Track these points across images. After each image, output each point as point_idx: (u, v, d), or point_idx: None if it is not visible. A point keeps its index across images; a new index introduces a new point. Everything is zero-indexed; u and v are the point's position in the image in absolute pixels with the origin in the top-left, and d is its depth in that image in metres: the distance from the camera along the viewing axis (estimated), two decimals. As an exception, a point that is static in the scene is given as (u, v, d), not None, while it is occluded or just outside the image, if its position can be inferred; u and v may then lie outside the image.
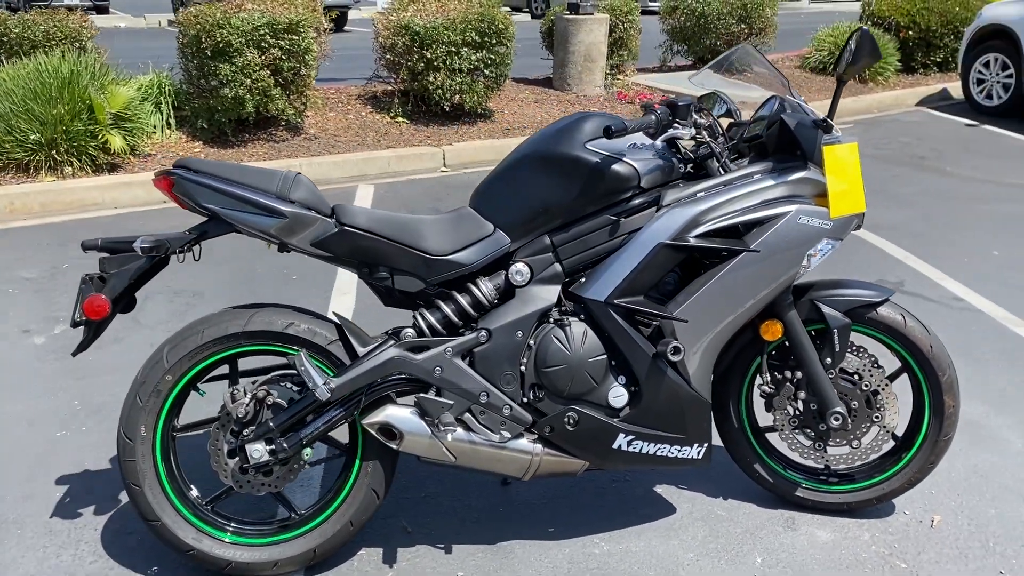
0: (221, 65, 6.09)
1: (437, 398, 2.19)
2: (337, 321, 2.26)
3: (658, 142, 2.26)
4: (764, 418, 2.57)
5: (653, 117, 2.22)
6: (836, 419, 2.38)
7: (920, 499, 2.61)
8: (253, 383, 2.22)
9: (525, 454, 2.25)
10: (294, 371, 2.23)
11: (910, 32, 10.16)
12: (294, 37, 6.29)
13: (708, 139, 2.28)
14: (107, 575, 2.29)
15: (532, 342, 2.24)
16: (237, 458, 2.21)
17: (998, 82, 8.69)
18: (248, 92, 6.19)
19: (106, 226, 5.19)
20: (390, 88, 7.61)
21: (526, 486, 2.69)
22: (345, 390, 2.14)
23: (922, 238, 5.00)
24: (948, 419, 2.41)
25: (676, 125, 2.25)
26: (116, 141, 5.79)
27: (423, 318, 2.24)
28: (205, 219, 2.22)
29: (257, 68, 6.16)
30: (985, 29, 8.81)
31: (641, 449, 2.28)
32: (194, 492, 2.28)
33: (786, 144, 2.29)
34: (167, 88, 6.54)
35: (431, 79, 6.99)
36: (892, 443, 2.51)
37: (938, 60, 10.32)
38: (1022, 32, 8.30)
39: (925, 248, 4.81)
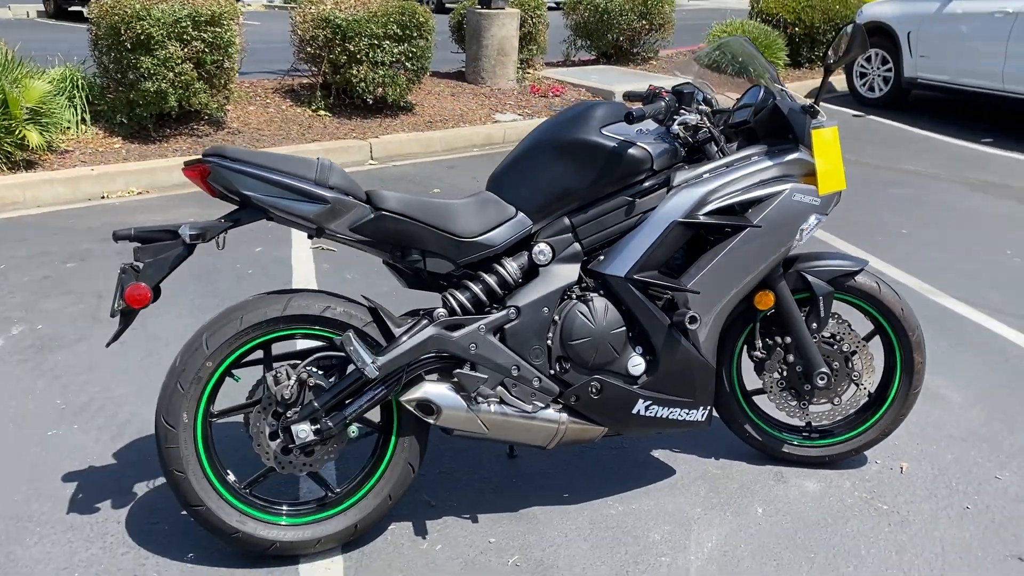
0: (142, 58, 5.92)
1: (473, 373, 2.31)
2: (369, 304, 2.34)
3: (662, 127, 2.44)
4: (751, 382, 2.79)
5: (663, 104, 2.39)
6: (822, 379, 2.63)
7: (887, 450, 2.89)
8: (293, 366, 2.27)
9: (552, 423, 2.39)
10: (333, 353, 2.29)
11: (796, 28, 10.79)
12: (217, 29, 6.18)
13: (708, 124, 2.47)
14: (143, 564, 2.29)
15: (557, 317, 2.37)
16: (279, 440, 2.25)
17: (879, 75, 9.35)
18: (171, 86, 6.04)
19: (34, 225, 4.99)
20: (309, 81, 7.55)
21: (533, 458, 2.82)
22: (390, 368, 2.22)
23: (840, 220, 5.40)
24: (917, 374, 2.69)
25: (683, 111, 2.44)
26: (34, 137, 5.55)
27: (453, 298, 2.34)
28: (235, 207, 2.25)
29: (180, 61, 6.02)
30: (865, 26, 9.46)
31: (656, 413, 2.45)
32: (231, 476, 2.31)
33: (778, 128, 2.51)
34: (80, 82, 6.30)
35: (354, 72, 6.99)
36: (867, 399, 2.78)
37: (822, 55, 10.99)
38: (899, 29, 8.96)
39: (844, 229, 5.21)
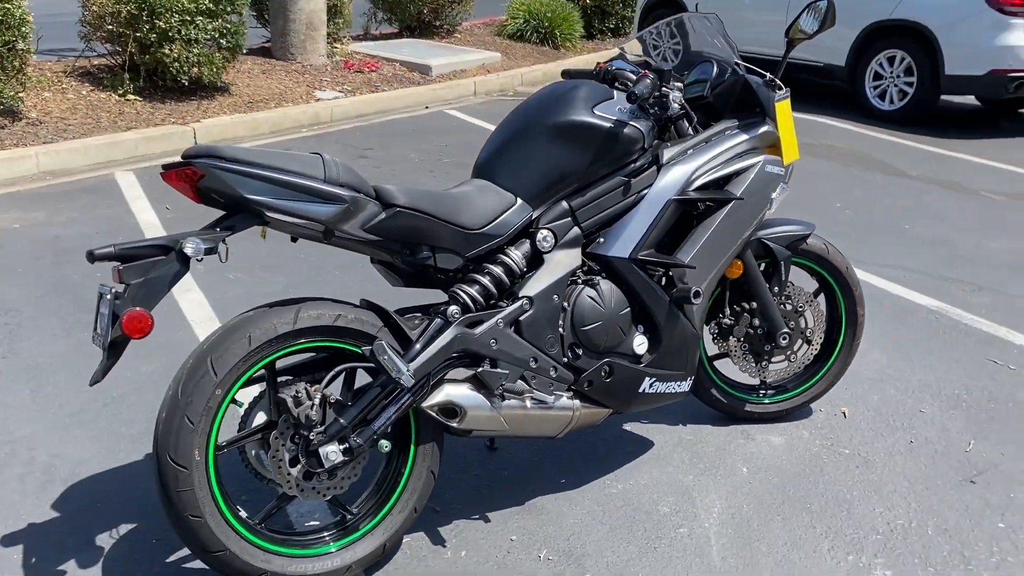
0: (-83, 39, 5.06)
1: (495, 369, 2.22)
2: (377, 308, 2.17)
3: (634, 105, 2.43)
4: (711, 348, 2.91)
5: (649, 82, 2.40)
6: (784, 338, 2.79)
7: (823, 399, 3.12)
8: (311, 383, 2.07)
9: (567, 411, 2.35)
10: (355, 364, 2.11)
11: (588, 1, 11.17)
12: (7, 5, 5.40)
13: (684, 101, 2.51)
14: None
15: (566, 304, 2.33)
16: (300, 465, 2.05)
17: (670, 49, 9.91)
18: (-46, 71, 5.23)
19: None
20: (108, 63, 6.81)
21: (513, 448, 2.77)
22: (422, 373, 2.08)
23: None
24: (860, 326, 2.93)
25: (665, 89, 2.46)
26: None
27: (464, 293, 2.23)
28: (223, 212, 2.01)
29: (-37, 42, 5.21)
30: (651, 1, 9.98)
31: (658, 389, 2.49)
32: (243, 512, 2.08)
33: (745, 102, 2.60)
34: None
35: (166, 51, 6.39)
36: (815, 353, 2.98)
37: (612, 26, 11.49)
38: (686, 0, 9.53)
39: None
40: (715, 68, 2.69)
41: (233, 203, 1.98)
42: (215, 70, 6.74)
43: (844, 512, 2.52)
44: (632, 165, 2.41)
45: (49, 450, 2.66)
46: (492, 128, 7.17)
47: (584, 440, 2.83)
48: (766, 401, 2.95)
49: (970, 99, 8.59)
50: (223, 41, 6.73)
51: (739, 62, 2.68)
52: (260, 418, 2.12)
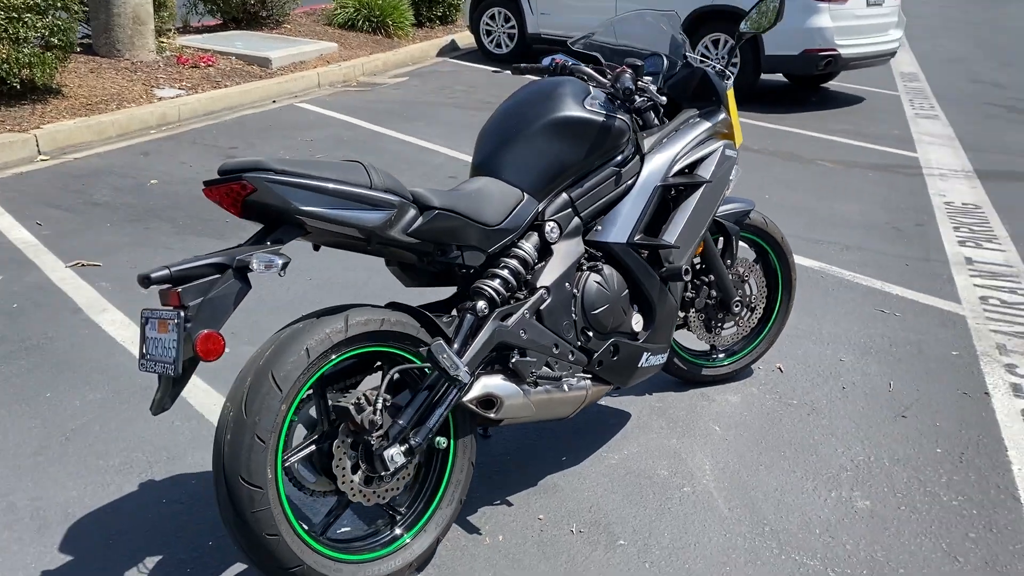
0: None
1: (526, 358, 2.31)
2: (412, 308, 2.20)
3: (605, 97, 2.58)
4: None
5: (628, 76, 2.55)
6: (737, 306, 3.06)
7: (761, 358, 3.43)
8: (374, 389, 2.08)
9: (581, 391, 2.49)
10: (407, 366, 2.13)
11: (415, -11, 11.18)
12: None
13: (653, 92, 2.69)
14: None
15: (576, 291, 2.46)
16: (361, 471, 2.06)
17: (504, 33, 10.16)
18: None
19: None
20: (-82, 66, 6.10)
21: (503, 432, 2.87)
22: (472, 368, 2.14)
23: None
24: (794, 289, 3.25)
25: (641, 83, 2.62)
26: None
27: (489, 288, 2.30)
28: (262, 225, 1.98)
29: None
30: (485, -16, 10.16)
31: (650, 363, 2.67)
32: (305, 525, 2.05)
33: (702, 92, 2.82)
34: None
35: (-6, 52, 5.83)
36: (759, 316, 3.27)
37: (440, 14, 11.57)
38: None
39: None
40: (665, 61, 2.88)
41: (278, 215, 1.95)
42: (47, 71, 6.23)
43: (813, 455, 2.82)
44: (621, 155, 2.56)
45: (27, 494, 2.47)
46: (352, 120, 7.15)
47: (565, 424, 2.97)
48: (719, 364, 3.22)
49: (779, 77, 9.42)
50: (54, 39, 6.22)
51: (692, 55, 2.89)
52: (300, 429, 2.11)
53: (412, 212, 2.09)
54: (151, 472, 2.60)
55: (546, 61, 2.92)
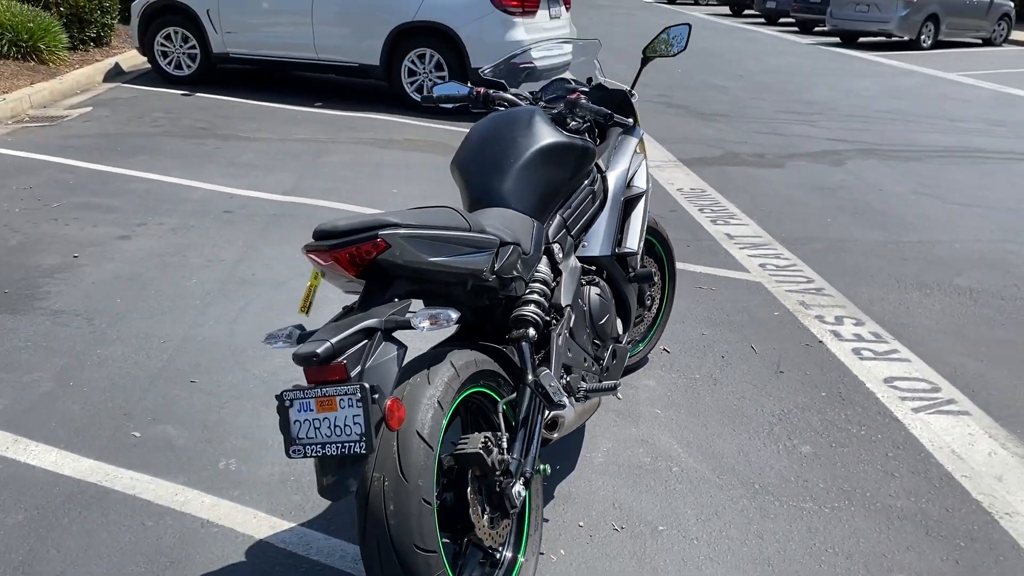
0: None
1: (572, 375, 2.41)
2: (477, 346, 2.20)
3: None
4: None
5: (584, 101, 2.74)
6: (649, 299, 3.39)
7: (641, 343, 3.81)
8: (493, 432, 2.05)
9: (596, 397, 2.64)
10: (506, 399, 2.13)
11: (62, 9, 10.00)
12: None
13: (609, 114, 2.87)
14: None
15: (585, 305, 2.60)
16: (487, 514, 2.04)
17: (184, 54, 9.52)
18: None
19: None
20: None
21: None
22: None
23: (343, 191, 5.86)
24: (676, 279, 3.66)
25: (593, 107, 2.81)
26: None
27: (532, 314, 2.36)
28: (365, 280, 1.90)
29: None
30: (155, 5, 9.42)
31: (628, 361, 2.90)
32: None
33: (622, 111, 3.08)
34: None
35: None
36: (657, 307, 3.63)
37: (93, 36, 10.47)
38: (196, 8, 9.22)
39: (351, 196, 5.72)
40: (572, 84, 3.10)
41: (397, 270, 1.87)
42: None
43: (744, 417, 3.25)
44: (592, 174, 2.74)
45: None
46: (62, 160, 6.32)
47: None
48: (635, 353, 3.53)
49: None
50: None
51: (606, 79, 3.14)
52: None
53: (499, 249, 2.11)
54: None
55: (465, 91, 2.98)
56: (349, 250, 1.79)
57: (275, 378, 3.35)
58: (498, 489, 2.04)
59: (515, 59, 3.27)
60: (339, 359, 1.69)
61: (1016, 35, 19.66)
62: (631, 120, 3.08)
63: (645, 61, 3.27)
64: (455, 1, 8.44)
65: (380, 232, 1.79)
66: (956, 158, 7.82)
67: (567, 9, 9.50)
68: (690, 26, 3.20)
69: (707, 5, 30.06)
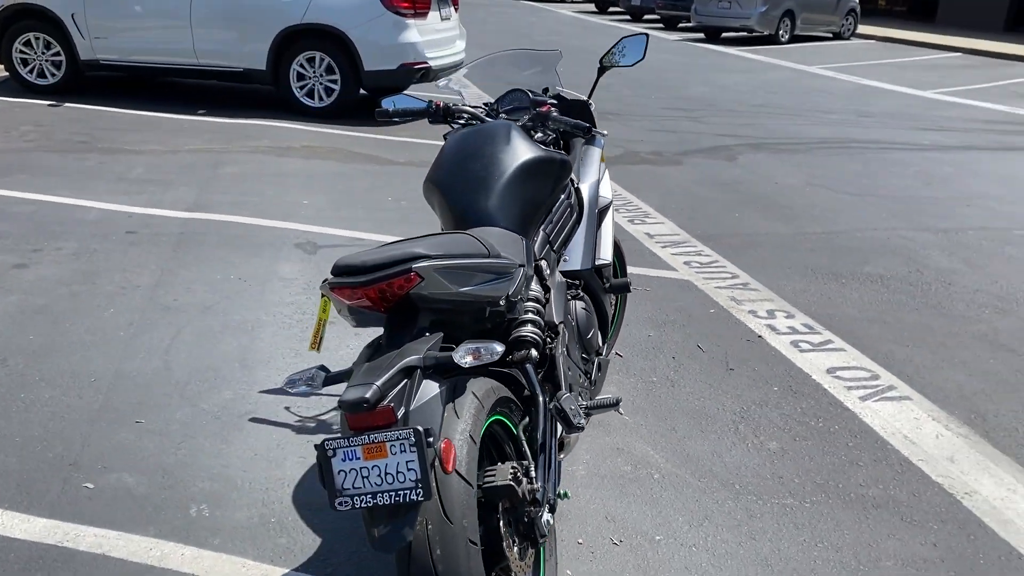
0: None
1: (573, 393, 2.38)
2: (485, 373, 2.15)
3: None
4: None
5: (556, 113, 2.71)
6: (610, 304, 3.40)
7: (593, 348, 3.82)
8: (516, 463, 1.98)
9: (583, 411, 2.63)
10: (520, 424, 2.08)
11: (-98, 13, 9.12)
12: None
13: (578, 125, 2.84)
14: None
15: (573, 321, 2.58)
16: (516, 545, 1.98)
17: (47, 61, 8.88)
18: None
19: None
20: None
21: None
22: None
23: (253, 207, 5.60)
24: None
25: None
26: None
27: (531, 334, 2.31)
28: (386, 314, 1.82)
29: None
30: (11, 8, 8.74)
31: (605, 371, 2.90)
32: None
33: (586, 120, 3.06)
34: None
35: None
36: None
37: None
38: (60, 12, 8.62)
39: (262, 209, 5.49)
40: (530, 95, 3.06)
41: (423, 302, 1.79)
42: None
43: (707, 417, 3.32)
44: (568, 188, 2.72)
45: None
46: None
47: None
48: (592, 361, 3.54)
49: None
50: None
51: (565, 89, 3.11)
52: None
53: (521, 271, 2.05)
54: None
55: (422, 104, 2.90)
56: (380, 286, 1.70)
57: (227, 412, 3.16)
58: (526, 520, 1.99)
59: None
60: (385, 402, 1.60)
61: (862, 29, 20.98)
62: (604, 131, 3.08)
63: (601, 71, 3.26)
64: (345, 3, 8.23)
65: (414, 266, 1.70)
66: (836, 149, 8.26)
67: (455, 10, 9.43)
68: (647, 35, 3.22)
69: (572, 3, 30.61)
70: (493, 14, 22.94)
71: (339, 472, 1.60)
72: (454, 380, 1.97)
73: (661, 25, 22.15)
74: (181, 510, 2.62)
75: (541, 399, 2.10)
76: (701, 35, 19.53)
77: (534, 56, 3.17)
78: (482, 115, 2.82)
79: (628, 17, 24.30)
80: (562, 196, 2.68)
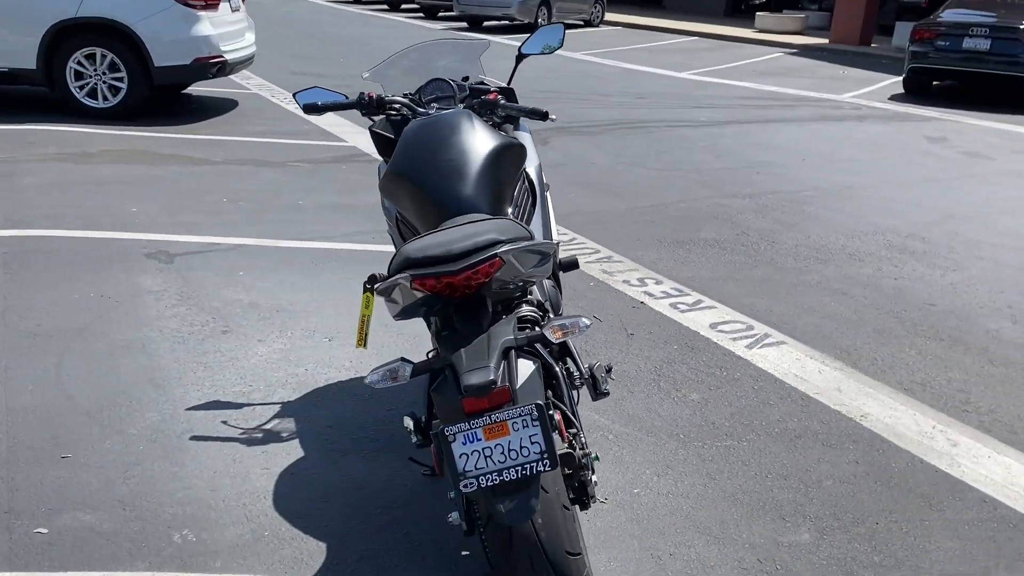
0: None
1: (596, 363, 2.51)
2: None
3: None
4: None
5: (503, 100, 2.79)
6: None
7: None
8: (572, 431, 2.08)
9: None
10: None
11: None
12: None
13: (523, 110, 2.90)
14: None
15: (546, 302, 2.68)
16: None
17: None
18: None
19: None
20: None
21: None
22: None
23: (157, 221, 5.12)
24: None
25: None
26: None
27: (530, 311, 2.40)
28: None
29: None
30: None
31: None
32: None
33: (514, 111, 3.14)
34: None
35: None
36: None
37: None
38: None
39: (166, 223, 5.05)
40: (454, 85, 3.11)
41: (491, 285, 1.85)
42: None
43: (631, 379, 3.56)
44: (522, 171, 2.81)
45: None
46: None
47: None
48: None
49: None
50: None
51: (489, 79, 3.18)
52: None
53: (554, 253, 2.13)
54: None
55: (344, 98, 2.88)
56: (467, 272, 1.73)
57: (161, 435, 2.96)
58: (577, 483, 2.10)
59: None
60: (503, 383, 1.66)
61: (609, 16, 22.44)
62: (546, 112, 3.18)
63: (520, 58, 3.36)
64: (127, -5, 7.63)
65: (499, 251, 1.76)
66: (629, 129, 8.89)
67: (243, 1, 9.04)
68: (564, 24, 3.36)
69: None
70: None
71: (460, 456, 1.64)
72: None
73: (421, 15, 22.34)
74: (163, 539, 2.45)
75: (579, 369, 2.20)
76: (464, 24, 19.97)
77: (458, 46, 3.21)
78: (413, 106, 2.84)
79: (386, 7, 24.21)
80: (519, 181, 2.78)
